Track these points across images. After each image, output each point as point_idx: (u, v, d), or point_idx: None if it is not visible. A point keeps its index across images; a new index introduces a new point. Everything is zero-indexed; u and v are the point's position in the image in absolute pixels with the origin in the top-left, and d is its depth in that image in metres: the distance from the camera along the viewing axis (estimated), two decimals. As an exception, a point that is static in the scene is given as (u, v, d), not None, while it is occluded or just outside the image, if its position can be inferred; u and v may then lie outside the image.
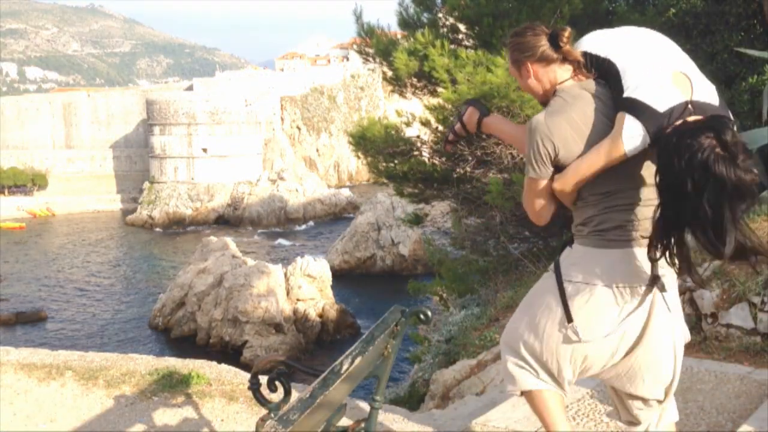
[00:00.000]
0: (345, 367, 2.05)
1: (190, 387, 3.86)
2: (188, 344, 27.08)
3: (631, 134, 1.88)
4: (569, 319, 2.08)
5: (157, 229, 56.50)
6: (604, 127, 1.97)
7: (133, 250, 49.30)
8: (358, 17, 11.20)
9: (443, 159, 10.35)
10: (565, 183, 2.07)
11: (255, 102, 63.44)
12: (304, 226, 57.12)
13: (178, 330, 28.64)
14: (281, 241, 51.48)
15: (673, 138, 1.81)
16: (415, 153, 10.65)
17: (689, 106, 1.88)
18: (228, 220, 58.57)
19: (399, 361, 10.67)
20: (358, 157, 12.74)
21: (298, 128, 74.77)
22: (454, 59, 9.31)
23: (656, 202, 1.91)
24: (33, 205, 63.32)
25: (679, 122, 1.85)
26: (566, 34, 2.06)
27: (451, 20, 10.99)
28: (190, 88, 68.44)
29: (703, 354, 4.49)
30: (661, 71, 1.93)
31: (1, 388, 3.95)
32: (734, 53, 8.43)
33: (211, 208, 59.61)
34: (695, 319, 4.84)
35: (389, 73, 10.97)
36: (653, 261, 1.95)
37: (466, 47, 10.59)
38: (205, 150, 60.44)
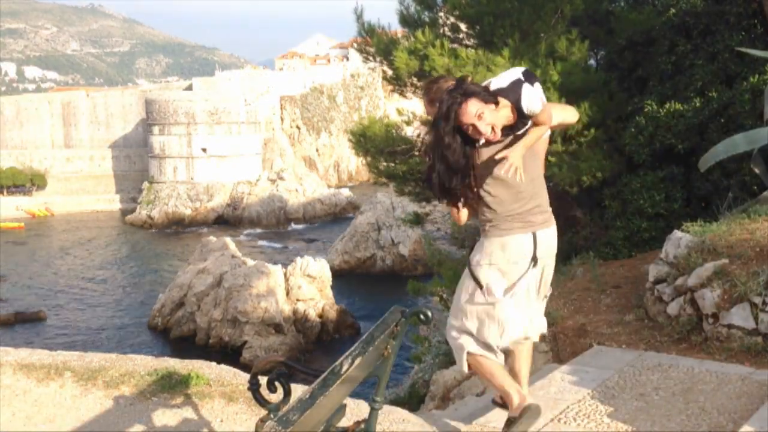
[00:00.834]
0: (345, 367, 2.04)
1: (189, 388, 3.85)
2: (188, 344, 27.05)
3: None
4: (480, 286, 2.91)
5: (154, 230, 56.48)
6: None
7: (132, 250, 49.28)
8: (359, 16, 11.19)
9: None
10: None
11: (255, 102, 63.41)
12: (303, 226, 57.11)
13: (178, 330, 28.60)
14: (281, 241, 51.49)
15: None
16: (416, 153, 10.64)
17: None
18: (227, 220, 58.54)
19: (399, 362, 10.65)
20: (359, 157, 12.73)
21: (298, 128, 74.73)
22: (454, 59, 9.30)
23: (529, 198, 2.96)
24: (32, 205, 63.26)
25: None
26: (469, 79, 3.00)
27: (452, 19, 10.97)
28: (189, 88, 68.39)
29: (704, 354, 4.48)
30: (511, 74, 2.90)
31: (1, 389, 3.94)
32: (735, 53, 8.42)
33: (211, 208, 59.58)
34: (696, 319, 4.83)
35: (389, 73, 10.96)
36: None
37: (467, 46, 10.58)
38: (204, 150, 60.41)
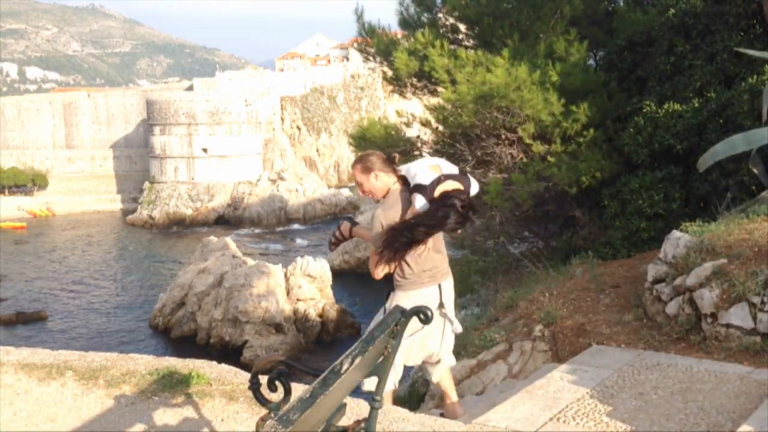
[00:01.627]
0: (345, 367, 2.05)
1: (190, 387, 3.87)
2: (188, 344, 27.06)
3: (419, 203, 3.57)
4: None
5: (155, 230, 56.48)
6: (408, 204, 3.63)
7: (133, 251, 49.30)
8: (359, 17, 11.21)
9: (443, 159, 10.34)
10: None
11: (255, 102, 63.41)
12: (304, 226, 57.09)
13: (179, 330, 28.62)
14: (281, 241, 51.47)
15: (444, 199, 3.58)
16: (416, 153, 10.65)
17: (442, 176, 3.63)
18: (228, 220, 58.53)
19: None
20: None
21: (298, 128, 74.72)
22: (454, 59, 9.31)
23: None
24: (33, 205, 63.28)
25: (443, 189, 3.59)
26: (397, 158, 3.78)
27: (452, 20, 10.99)
28: (190, 88, 68.39)
29: (702, 354, 4.49)
30: (423, 167, 3.70)
31: (2, 388, 3.96)
32: (734, 53, 8.42)
33: (211, 208, 59.58)
34: (695, 318, 4.84)
35: (389, 73, 10.97)
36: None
37: (466, 47, 10.59)
38: (205, 150, 60.42)
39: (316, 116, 76.38)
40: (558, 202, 9.70)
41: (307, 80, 77.34)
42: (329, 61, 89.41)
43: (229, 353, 24.72)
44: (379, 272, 3.65)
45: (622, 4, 11.17)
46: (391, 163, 3.72)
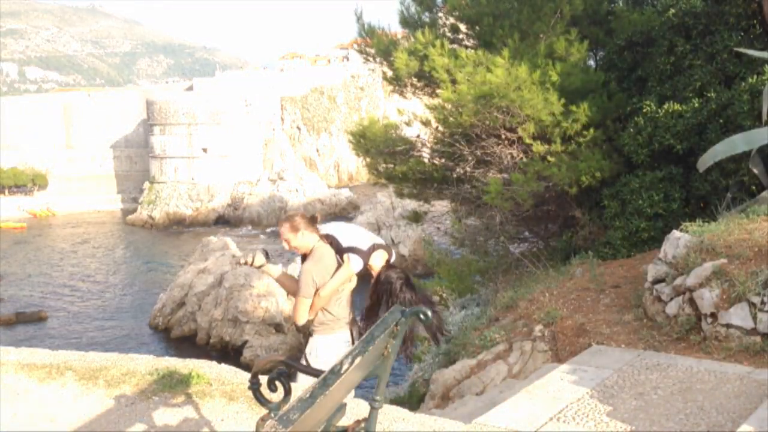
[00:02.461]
0: (345, 367, 2.05)
1: (190, 387, 3.86)
2: (188, 344, 27.05)
3: (356, 262, 4.21)
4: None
5: (155, 230, 56.48)
6: (337, 263, 4.19)
7: (133, 250, 49.28)
8: (359, 17, 11.20)
9: (443, 159, 10.36)
10: (326, 294, 4.15)
11: (255, 102, 63.38)
12: (304, 226, 56.97)
13: (179, 330, 28.61)
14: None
15: (384, 275, 4.31)
16: (415, 153, 10.65)
17: (374, 245, 4.27)
18: (228, 220, 58.51)
19: (399, 361, 10.64)
20: (359, 157, 12.75)
21: (298, 128, 74.71)
22: (454, 59, 9.31)
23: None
24: (33, 205, 63.27)
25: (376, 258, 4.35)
26: (318, 218, 4.28)
27: (452, 20, 10.99)
28: (190, 89, 68.39)
29: (702, 354, 4.49)
30: (357, 231, 4.38)
31: (2, 388, 3.96)
32: (734, 53, 8.42)
33: (212, 208, 59.56)
34: (695, 318, 4.84)
35: (389, 73, 10.97)
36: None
37: (467, 47, 10.59)
38: (205, 150, 60.38)
39: (316, 116, 76.37)
40: (558, 202, 9.70)
41: (307, 80, 77.32)
42: (329, 61, 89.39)
43: (229, 353, 24.73)
44: (304, 318, 4.15)
45: (622, 4, 11.16)
46: (314, 223, 4.23)
